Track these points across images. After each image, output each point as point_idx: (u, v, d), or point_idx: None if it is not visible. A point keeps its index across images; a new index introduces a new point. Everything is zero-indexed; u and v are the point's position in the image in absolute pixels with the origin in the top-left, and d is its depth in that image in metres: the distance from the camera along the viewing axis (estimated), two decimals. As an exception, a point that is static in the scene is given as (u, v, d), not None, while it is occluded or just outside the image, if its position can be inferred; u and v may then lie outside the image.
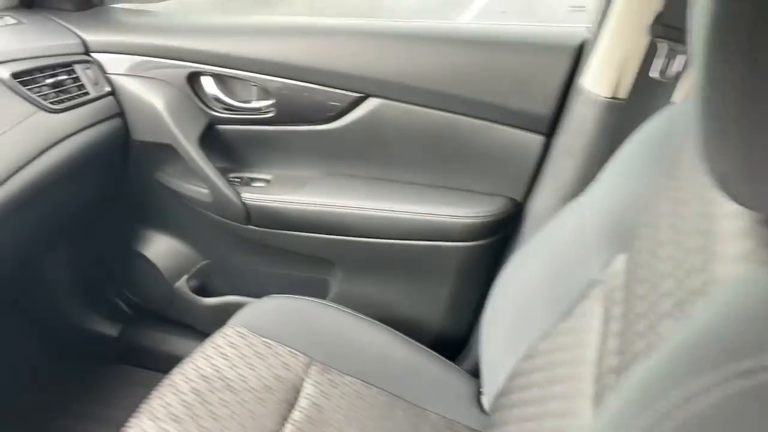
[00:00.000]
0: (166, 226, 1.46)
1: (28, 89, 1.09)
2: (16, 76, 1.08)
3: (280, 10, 6.20)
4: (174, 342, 1.58)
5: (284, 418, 0.93)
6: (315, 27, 1.15)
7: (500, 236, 1.16)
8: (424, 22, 1.15)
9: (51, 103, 1.11)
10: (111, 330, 1.63)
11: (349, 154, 1.19)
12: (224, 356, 1.03)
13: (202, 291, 1.50)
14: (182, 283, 1.47)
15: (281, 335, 1.05)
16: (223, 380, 0.98)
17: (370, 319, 1.09)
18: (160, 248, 1.48)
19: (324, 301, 1.12)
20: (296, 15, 1.20)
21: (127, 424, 0.92)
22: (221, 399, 0.95)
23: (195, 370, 1.00)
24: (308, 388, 0.98)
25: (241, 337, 1.06)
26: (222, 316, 1.47)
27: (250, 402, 0.95)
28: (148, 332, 1.61)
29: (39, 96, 1.10)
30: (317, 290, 1.22)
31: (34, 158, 1.06)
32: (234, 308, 1.46)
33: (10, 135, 1.04)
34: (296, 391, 0.98)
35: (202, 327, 1.53)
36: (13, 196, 1.03)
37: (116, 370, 1.63)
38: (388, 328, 1.08)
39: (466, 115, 1.09)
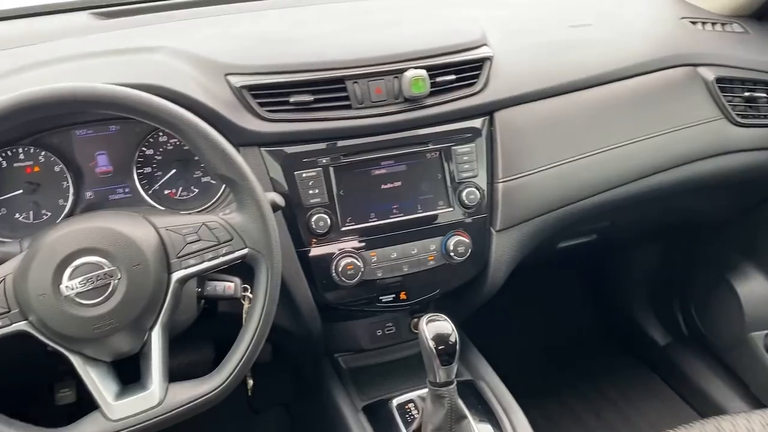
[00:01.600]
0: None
1: (723, 95, 1.12)
2: (719, 80, 1.12)
3: None
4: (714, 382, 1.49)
5: None
6: None
7: None
8: None
9: (737, 114, 1.12)
10: (660, 339, 1.64)
11: None
12: None
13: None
14: (759, 335, 1.35)
15: None
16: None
17: None
18: (755, 291, 1.38)
19: None
20: None
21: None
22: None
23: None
24: None
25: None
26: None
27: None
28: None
29: (729, 105, 1.12)
30: None
31: (699, 158, 1.11)
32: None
33: (689, 131, 1.10)
34: None
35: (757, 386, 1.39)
36: (666, 185, 1.09)
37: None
38: None
39: None
